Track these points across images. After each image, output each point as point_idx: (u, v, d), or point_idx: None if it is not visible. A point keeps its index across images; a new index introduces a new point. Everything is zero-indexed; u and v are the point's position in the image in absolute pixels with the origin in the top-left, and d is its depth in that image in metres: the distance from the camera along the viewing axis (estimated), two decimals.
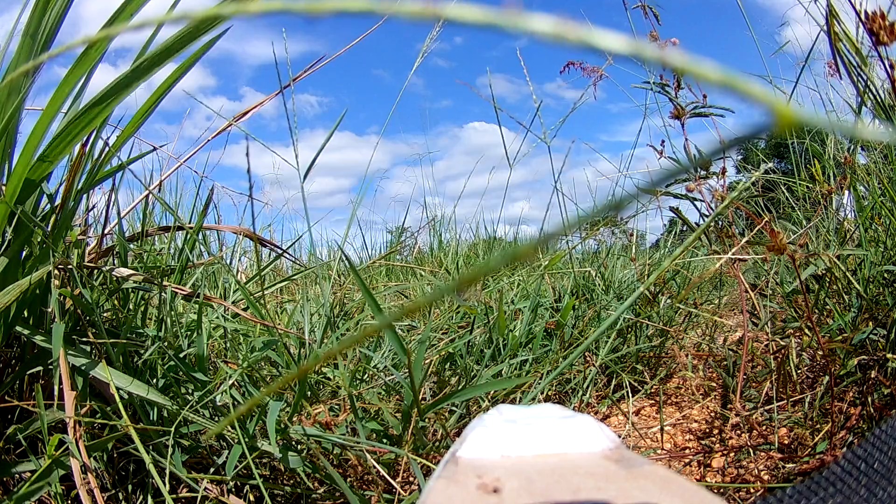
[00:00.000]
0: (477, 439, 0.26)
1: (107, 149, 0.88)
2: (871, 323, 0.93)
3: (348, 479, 0.78)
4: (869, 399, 0.87)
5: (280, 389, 0.76)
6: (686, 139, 1.08)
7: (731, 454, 0.94)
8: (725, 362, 1.13)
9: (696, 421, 1.15)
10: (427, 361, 0.99)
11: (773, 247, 0.67)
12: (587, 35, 0.10)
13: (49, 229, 0.82)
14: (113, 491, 0.73)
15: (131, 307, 0.91)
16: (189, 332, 0.88)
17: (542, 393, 1.02)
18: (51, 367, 0.73)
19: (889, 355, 0.85)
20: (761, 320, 1.09)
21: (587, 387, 1.16)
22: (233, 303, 1.04)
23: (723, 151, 0.12)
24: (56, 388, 0.70)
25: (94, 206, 1.07)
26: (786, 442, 0.94)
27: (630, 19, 1.27)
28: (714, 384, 1.23)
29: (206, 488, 0.71)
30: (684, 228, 1.30)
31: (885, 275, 1.01)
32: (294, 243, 1.52)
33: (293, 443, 0.74)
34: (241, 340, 0.98)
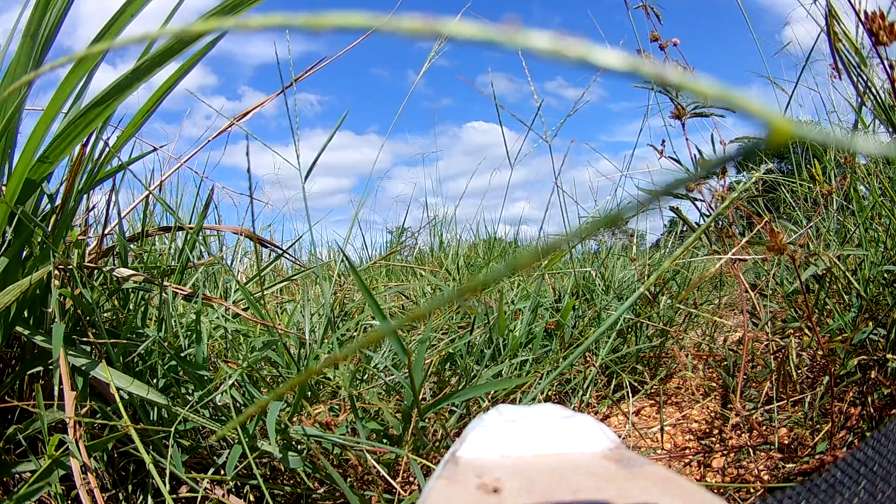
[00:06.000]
0: (477, 439, 0.26)
1: (107, 149, 0.88)
2: (871, 323, 0.93)
3: (348, 479, 0.78)
4: (869, 399, 0.87)
5: (282, 392, 0.77)
6: (686, 139, 1.08)
7: (731, 454, 0.94)
8: (725, 362, 1.13)
9: (696, 421, 1.15)
10: (427, 361, 0.99)
11: (773, 247, 0.67)
12: (585, 52, 0.10)
13: (49, 229, 0.82)
14: (113, 491, 0.73)
15: (131, 307, 0.91)
16: (189, 333, 0.88)
17: (542, 393, 1.02)
18: (51, 367, 0.73)
19: (889, 355, 0.85)
20: (761, 320, 1.09)
21: (587, 387, 1.16)
22: (233, 303, 1.04)
23: (723, 163, 0.12)
24: (56, 388, 0.70)
25: (94, 207, 1.07)
26: (786, 442, 0.94)
27: (632, 19, 1.27)
28: (714, 384, 1.23)
29: (206, 488, 0.71)
30: (684, 228, 1.30)
31: (885, 275, 1.01)
32: (294, 243, 1.52)
33: (293, 443, 0.74)
34: (241, 340, 0.98)
